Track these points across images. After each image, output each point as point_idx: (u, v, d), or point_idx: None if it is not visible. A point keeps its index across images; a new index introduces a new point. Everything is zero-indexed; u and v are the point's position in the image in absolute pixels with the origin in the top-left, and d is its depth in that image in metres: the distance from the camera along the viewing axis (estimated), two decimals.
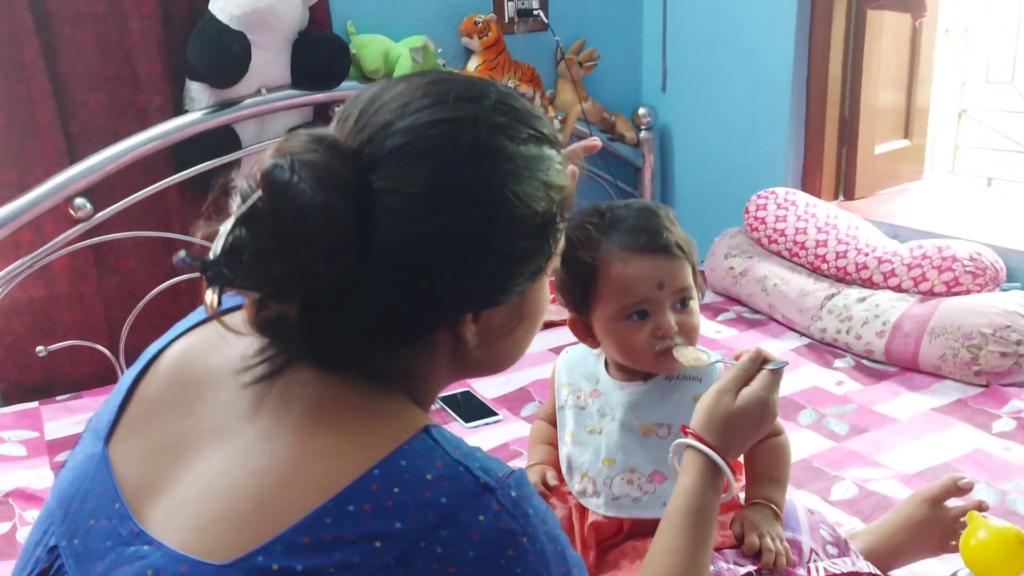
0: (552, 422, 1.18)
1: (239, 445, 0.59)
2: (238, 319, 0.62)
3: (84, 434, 0.70)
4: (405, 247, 0.58)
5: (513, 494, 0.57)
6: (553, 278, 0.76)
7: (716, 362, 1.01)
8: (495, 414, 1.80)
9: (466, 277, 0.61)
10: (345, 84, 2.21)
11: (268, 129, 2.15)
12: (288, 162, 0.55)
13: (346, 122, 0.62)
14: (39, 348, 2.00)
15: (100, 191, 1.97)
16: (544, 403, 1.22)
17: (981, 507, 1.13)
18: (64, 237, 1.95)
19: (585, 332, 1.08)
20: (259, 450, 0.58)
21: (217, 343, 0.66)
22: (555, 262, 0.69)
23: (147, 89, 2.03)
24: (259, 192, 0.55)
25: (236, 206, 0.55)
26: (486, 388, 1.92)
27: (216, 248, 0.55)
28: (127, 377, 0.69)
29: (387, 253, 0.58)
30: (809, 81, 2.38)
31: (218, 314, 0.57)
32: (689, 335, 1.03)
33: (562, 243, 0.70)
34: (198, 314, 0.71)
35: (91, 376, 2.09)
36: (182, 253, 0.55)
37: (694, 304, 1.04)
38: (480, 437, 1.70)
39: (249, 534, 0.54)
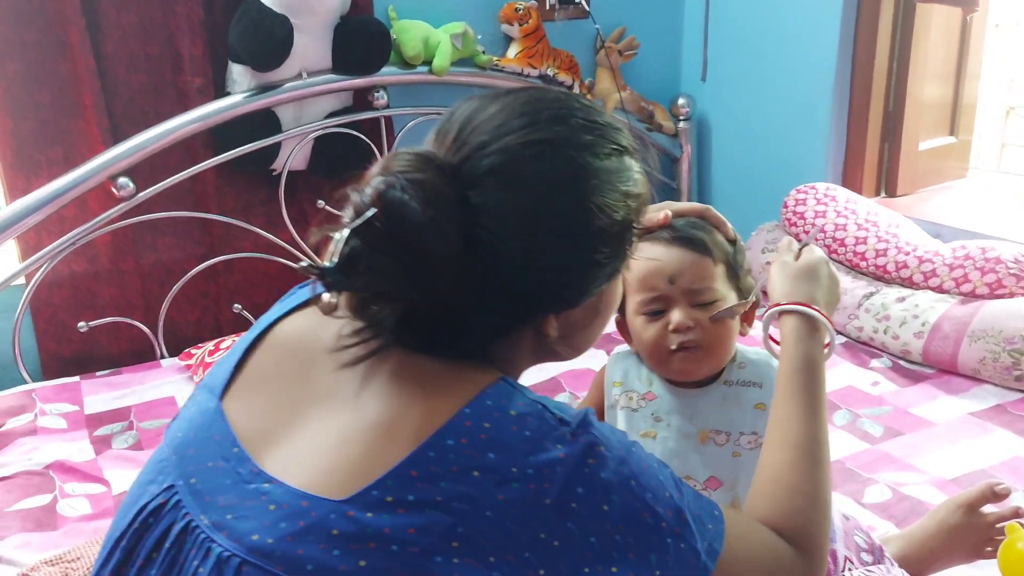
0: None
1: (345, 408, 0.65)
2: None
3: (197, 391, 0.76)
4: (500, 261, 0.65)
5: (587, 423, 0.63)
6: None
7: (752, 300, 1.01)
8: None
9: (553, 285, 0.68)
10: (385, 69, 2.21)
11: (307, 112, 2.16)
12: (399, 181, 0.61)
13: (444, 138, 0.68)
14: (80, 324, 2.03)
15: (141, 170, 2.00)
16: (583, 398, 1.19)
17: (1018, 513, 1.11)
18: (107, 215, 1.98)
19: (627, 334, 1.07)
20: (363, 409, 0.64)
21: (325, 320, 0.71)
22: (629, 262, 0.75)
23: (189, 71, 2.04)
24: (374, 209, 0.61)
25: (349, 217, 0.62)
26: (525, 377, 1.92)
27: (333, 256, 0.61)
28: (242, 342, 0.76)
29: (484, 265, 0.65)
30: (853, 73, 2.34)
31: (332, 308, 0.63)
32: (710, 336, 0.97)
33: (636, 244, 0.75)
34: (307, 292, 0.76)
35: (129, 352, 2.12)
36: (304, 262, 0.63)
37: (719, 306, 0.97)
38: None
39: (362, 476, 0.60)
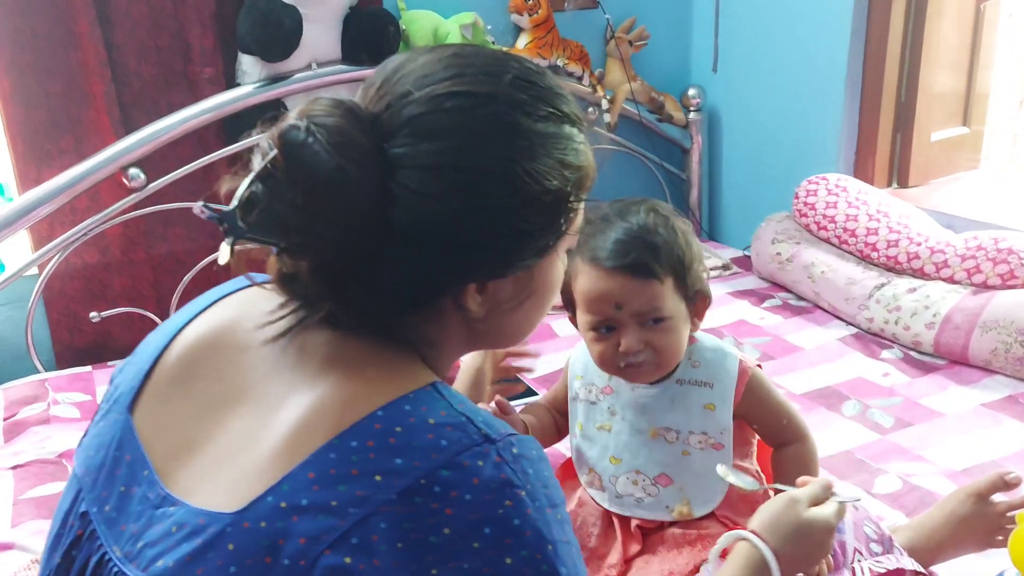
0: (551, 406, 1.18)
1: (263, 403, 0.61)
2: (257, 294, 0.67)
3: (103, 404, 0.71)
4: (417, 221, 0.59)
5: (515, 451, 0.57)
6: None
7: (764, 489, 0.97)
8: (535, 394, 1.80)
9: (473, 250, 0.62)
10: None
11: None
12: (305, 124, 0.57)
13: (369, 89, 0.63)
14: (92, 314, 2.05)
15: (152, 161, 2.00)
16: (551, 388, 1.20)
17: (1015, 484, 1.11)
18: (118, 206, 1.99)
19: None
20: (279, 406, 0.60)
21: (247, 310, 0.68)
22: (569, 241, 0.69)
23: (199, 61, 2.05)
24: (275, 151, 0.56)
25: (256, 163, 0.58)
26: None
27: (234, 201, 0.57)
28: (150, 349, 0.70)
29: (400, 225, 0.59)
30: (865, 63, 2.32)
31: (244, 270, 0.60)
32: (661, 354, 0.99)
33: (578, 222, 0.69)
34: (220, 289, 0.73)
35: (139, 342, 2.13)
36: (200, 203, 0.58)
37: (670, 323, 0.98)
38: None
39: (264, 480, 0.56)
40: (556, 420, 1.18)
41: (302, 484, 0.54)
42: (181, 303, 2.14)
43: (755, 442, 1.11)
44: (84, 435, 0.71)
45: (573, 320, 1.06)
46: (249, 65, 2.06)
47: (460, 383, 1.16)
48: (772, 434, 1.08)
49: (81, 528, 0.64)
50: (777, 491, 0.89)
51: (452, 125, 0.60)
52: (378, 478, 0.53)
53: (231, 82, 2.09)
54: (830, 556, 0.99)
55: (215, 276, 2.20)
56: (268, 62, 2.05)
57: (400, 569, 0.52)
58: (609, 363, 1.01)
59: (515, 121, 0.62)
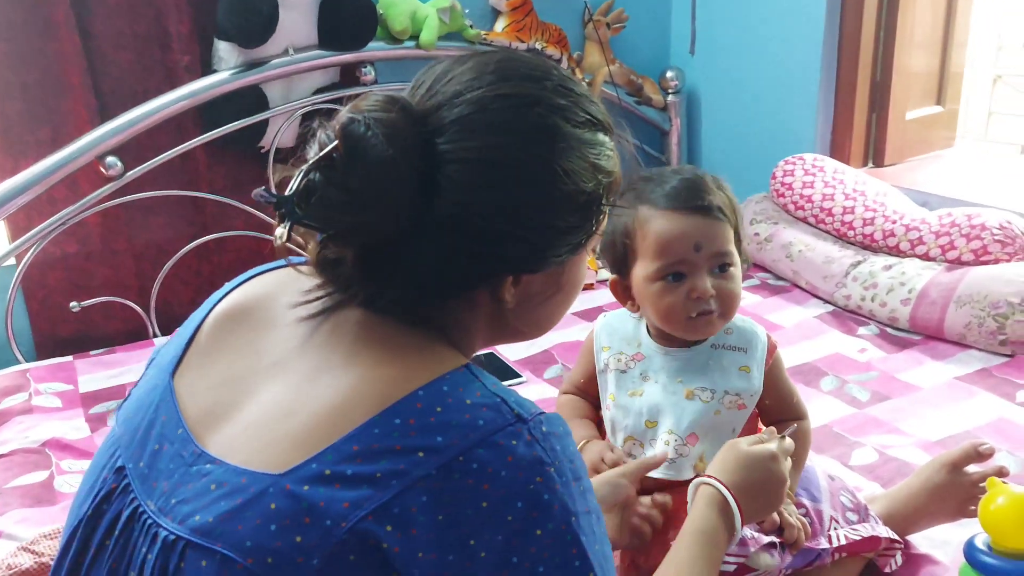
0: (581, 393, 1.18)
1: (295, 376, 0.64)
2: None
3: (148, 369, 0.75)
4: (460, 212, 0.64)
5: (544, 429, 0.61)
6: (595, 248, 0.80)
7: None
8: (519, 376, 1.82)
9: (512, 244, 0.66)
10: (372, 45, 2.20)
11: (295, 89, 2.16)
12: (363, 118, 0.61)
13: (419, 89, 0.68)
14: (72, 303, 2.04)
15: (130, 149, 1.99)
16: (571, 372, 1.21)
17: (1001, 472, 1.13)
18: (96, 195, 1.98)
19: (625, 295, 1.09)
20: (314, 379, 0.63)
21: (283, 287, 0.72)
22: (596, 240, 0.74)
23: (176, 48, 2.04)
24: (336, 142, 0.60)
25: (313, 152, 0.61)
26: (510, 350, 1.94)
27: (291, 187, 0.61)
28: (195, 317, 0.74)
29: (443, 215, 0.63)
30: (841, 44, 2.34)
31: (288, 253, 0.63)
32: (727, 302, 1.02)
33: (604, 223, 0.74)
34: (259, 268, 0.77)
35: (122, 331, 2.13)
36: (261, 189, 0.63)
37: (735, 271, 1.03)
38: None
39: (304, 449, 0.59)
40: (592, 403, 1.18)
41: (346, 455, 0.57)
42: (162, 292, 2.14)
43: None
44: (125, 399, 0.75)
45: (615, 287, 1.09)
46: (226, 52, 2.05)
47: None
48: (781, 409, 1.10)
49: (116, 482, 0.66)
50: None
51: (497, 124, 0.65)
52: (420, 454, 0.57)
53: (208, 69, 2.08)
54: (807, 524, 1.02)
55: (197, 265, 2.20)
56: (245, 48, 2.04)
57: (438, 539, 0.55)
58: (679, 314, 1.02)
59: (555, 124, 0.66)
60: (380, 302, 0.66)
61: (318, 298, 0.67)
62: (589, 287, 2.23)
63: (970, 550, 0.92)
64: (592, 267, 2.15)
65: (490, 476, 0.57)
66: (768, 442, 0.94)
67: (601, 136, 0.71)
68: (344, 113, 0.62)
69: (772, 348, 1.10)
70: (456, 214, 0.64)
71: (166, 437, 0.65)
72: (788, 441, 0.96)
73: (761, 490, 0.91)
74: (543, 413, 0.62)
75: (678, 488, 1.02)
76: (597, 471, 1.04)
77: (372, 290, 0.66)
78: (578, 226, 0.69)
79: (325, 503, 0.56)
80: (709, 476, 0.91)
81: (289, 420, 0.61)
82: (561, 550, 0.58)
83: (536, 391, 1.74)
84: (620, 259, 1.06)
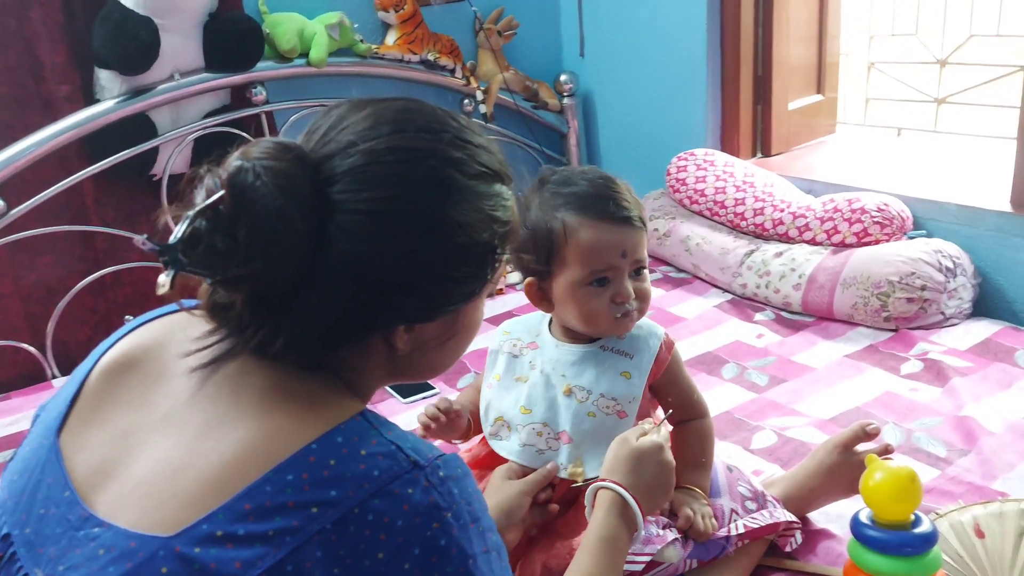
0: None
1: (186, 430, 0.63)
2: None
3: (32, 427, 0.73)
4: (352, 261, 0.64)
5: (441, 473, 0.61)
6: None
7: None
8: (432, 387, 1.83)
9: (405, 295, 0.67)
10: (261, 64, 2.17)
11: (184, 114, 2.11)
12: (253, 166, 0.61)
13: (314, 135, 0.68)
14: None
15: (12, 187, 1.92)
16: (480, 374, 1.25)
17: (887, 450, 1.20)
18: None
19: (540, 296, 1.12)
20: (204, 434, 0.62)
21: (173, 335, 0.71)
22: (492, 287, 0.75)
23: (52, 79, 1.96)
24: (222, 192, 0.60)
25: (200, 199, 0.60)
26: None
27: (176, 235, 0.59)
28: (79, 372, 0.73)
29: (334, 265, 0.63)
30: (723, 41, 2.43)
31: (177, 298, 0.62)
32: (644, 300, 1.10)
33: (500, 271, 0.75)
34: (149, 314, 0.76)
35: (18, 376, 2.04)
36: (144, 236, 0.61)
37: (647, 272, 1.11)
38: (419, 411, 1.72)
39: (195, 508, 0.58)
40: None
41: (238, 515, 0.57)
42: (57, 332, 2.06)
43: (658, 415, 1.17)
44: (9, 460, 0.72)
45: (530, 289, 1.11)
46: (108, 80, 1.99)
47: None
48: (682, 407, 1.14)
49: (2, 551, 0.64)
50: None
51: (390, 175, 0.65)
52: (315, 509, 0.57)
53: (90, 98, 2.02)
54: (714, 519, 1.07)
55: (92, 302, 2.12)
56: (127, 75, 1.98)
57: None
58: (605, 315, 1.08)
59: (449, 176, 0.67)
60: (271, 348, 0.65)
61: (209, 345, 0.66)
62: (499, 292, 2.26)
63: (855, 525, 0.98)
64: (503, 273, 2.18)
65: (386, 526, 0.57)
66: (651, 432, 0.99)
67: (497, 187, 0.71)
68: (232, 161, 0.61)
69: (669, 345, 1.15)
70: (348, 263, 0.64)
71: (52, 500, 0.63)
72: (665, 430, 1.02)
73: (656, 483, 0.96)
74: (441, 456, 0.62)
75: (564, 488, 1.09)
76: (508, 477, 1.09)
77: (263, 336, 0.65)
78: (473, 275, 0.70)
79: (217, 564, 0.55)
80: (606, 480, 0.94)
81: (179, 478, 0.60)
82: None
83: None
84: (542, 264, 1.09)
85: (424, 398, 1.80)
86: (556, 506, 1.08)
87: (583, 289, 1.07)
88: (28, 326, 2.06)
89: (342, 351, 0.68)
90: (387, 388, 1.84)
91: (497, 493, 1.06)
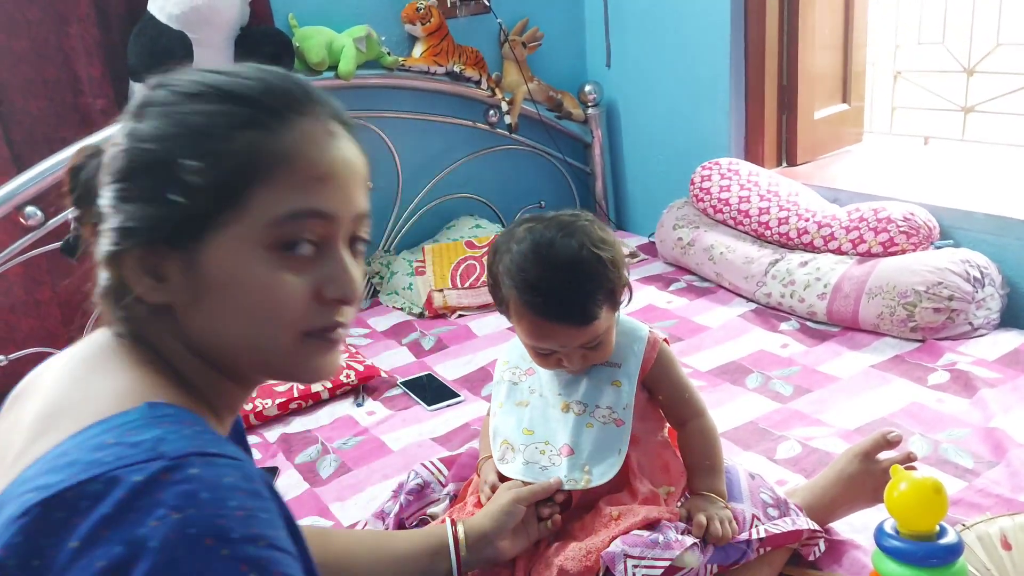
0: None
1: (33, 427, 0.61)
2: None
3: None
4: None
5: (194, 471, 0.52)
6: None
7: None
8: (457, 395, 1.85)
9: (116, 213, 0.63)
10: None
11: None
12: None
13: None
14: (0, 357, 2.00)
15: (50, 198, 1.97)
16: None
17: (909, 458, 1.20)
18: (17, 246, 1.95)
19: None
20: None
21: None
22: (245, 233, 0.61)
23: (88, 92, 2.02)
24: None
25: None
26: (447, 370, 1.97)
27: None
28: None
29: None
30: (747, 51, 2.43)
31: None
32: (599, 360, 1.11)
33: (261, 215, 0.61)
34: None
35: None
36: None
37: (607, 337, 1.09)
38: (444, 419, 1.75)
39: None
40: None
41: None
42: None
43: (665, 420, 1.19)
44: None
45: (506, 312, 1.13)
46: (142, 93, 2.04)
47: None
48: (675, 406, 1.16)
49: None
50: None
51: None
52: (30, 495, 0.51)
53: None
54: (734, 522, 1.08)
55: None
56: None
57: None
58: (553, 371, 1.13)
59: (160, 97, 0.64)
60: (120, 327, 0.65)
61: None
62: None
63: (879, 535, 0.98)
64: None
65: (85, 512, 0.50)
66: None
67: (225, 107, 0.62)
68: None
69: (654, 344, 1.14)
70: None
71: None
72: None
73: None
74: (208, 454, 0.53)
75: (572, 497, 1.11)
76: (494, 488, 1.12)
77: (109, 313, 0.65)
78: (152, 197, 0.61)
79: None
80: None
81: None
82: None
83: (474, 409, 1.77)
84: (505, 313, 1.11)
85: (449, 405, 1.81)
86: (559, 518, 1.09)
87: (532, 350, 1.11)
88: (65, 332, 2.10)
89: (151, 329, 0.64)
90: (412, 395, 1.86)
91: (493, 501, 1.09)
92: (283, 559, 0.53)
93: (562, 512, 1.10)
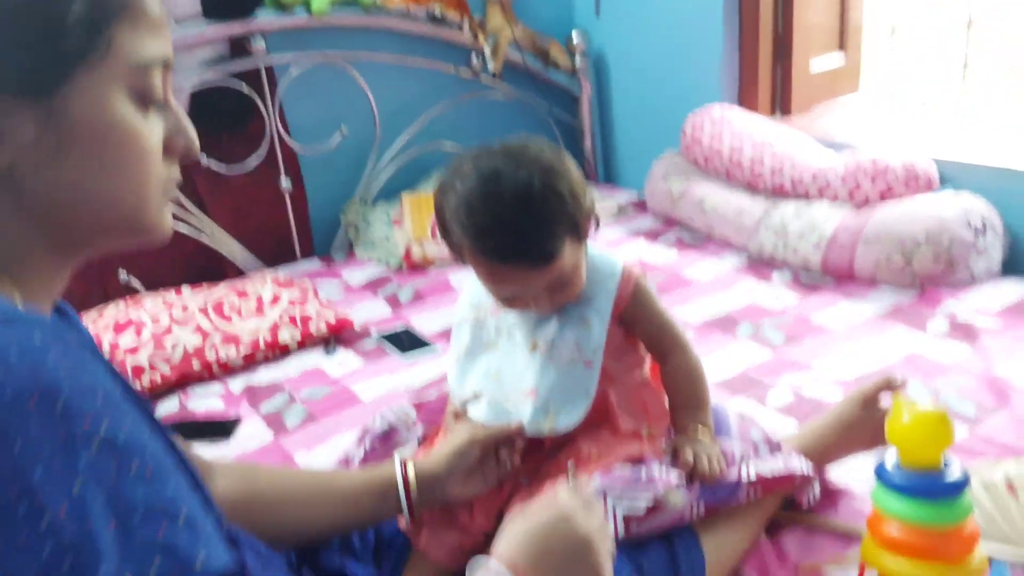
0: None
1: None
2: None
3: None
4: None
5: None
6: None
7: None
8: (429, 344, 1.77)
9: None
10: (261, 14, 2.10)
11: (180, 64, 2.04)
12: None
13: None
14: None
15: None
16: None
17: (896, 384, 1.13)
18: None
19: None
20: None
21: None
22: (107, 77, 0.56)
23: None
24: None
25: None
26: (425, 323, 1.89)
27: None
28: None
29: None
30: None
31: None
32: (568, 300, 1.00)
33: (124, 54, 0.57)
34: None
35: None
36: None
37: (575, 275, 0.98)
38: (419, 370, 1.66)
39: None
40: None
41: None
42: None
43: (647, 357, 1.10)
44: None
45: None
46: None
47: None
48: (655, 343, 1.07)
49: None
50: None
51: None
52: None
53: None
54: (723, 459, 0.99)
55: None
56: None
57: None
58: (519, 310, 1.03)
59: None
60: None
61: None
62: None
63: (879, 469, 0.90)
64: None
65: None
66: (556, 495, 0.74)
67: None
68: None
69: (628, 278, 1.04)
70: None
71: None
72: (581, 480, 0.80)
73: (562, 565, 0.69)
74: (13, 321, 0.49)
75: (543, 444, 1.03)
76: (474, 439, 0.99)
77: None
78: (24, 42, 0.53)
79: None
80: (490, 557, 0.70)
81: None
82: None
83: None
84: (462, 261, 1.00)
85: (423, 354, 1.73)
86: (517, 459, 0.99)
87: (494, 297, 1.01)
88: None
89: None
90: (385, 343, 1.77)
91: (448, 442, 0.99)
92: (119, 416, 0.49)
93: (528, 457, 1.02)
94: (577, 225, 0.95)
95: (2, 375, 0.45)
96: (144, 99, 0.58)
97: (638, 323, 1.06)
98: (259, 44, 2.13)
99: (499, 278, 0.96)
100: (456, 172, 0.95)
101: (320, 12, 2.15)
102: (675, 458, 1.00)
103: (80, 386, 0.48)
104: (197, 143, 0.64)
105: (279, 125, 2.22)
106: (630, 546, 0.94)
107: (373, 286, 2.15)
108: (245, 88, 2.12)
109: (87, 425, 0.47)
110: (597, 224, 1.01)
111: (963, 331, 1.59)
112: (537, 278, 0.94)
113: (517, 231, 0.91)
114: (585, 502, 0.74)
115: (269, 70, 2.19)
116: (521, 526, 0.71)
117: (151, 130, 0.59)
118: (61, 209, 0.57)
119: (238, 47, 2.14)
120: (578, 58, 2.68)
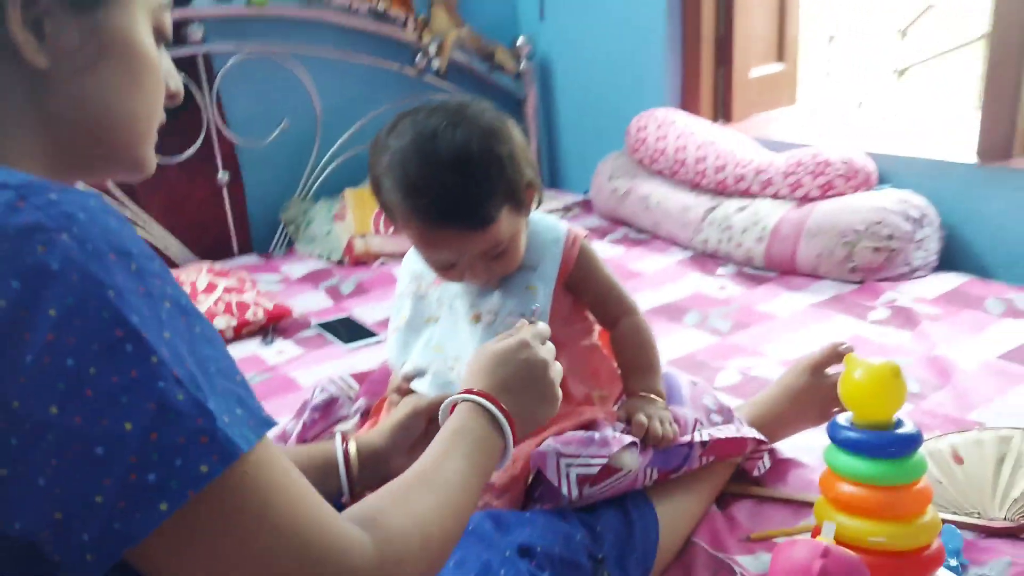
0: None
1: None
2: None
3: None
4: None
5: (52, 196, 0.47)
6: None
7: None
8: (373, 334, 1.72)
9: None
10: (199, 2, 2.04)
11: None
12: None
13: None
14: None
15: None
16: None
17: (848, 351, 1.13)
18: None
19: None
20: None
21: None
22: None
23: None
24: None
25: None
26: (367, 313, 1.84)
27: None
28: None
29: None
30: (684, 4, 2.37)
31: None
32: (507, 270, 0.98)
33: None
34: None
35: None
36: None
37: (513, 244, 0.95)
38: (361, 357, 1.61)
39: None
40: None
41: None
42: None
43: (596, 324, 1.07)
44: None
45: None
46: None
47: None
48: (602, 306, 1.05)
49: None
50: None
51: None
52: None
53: None
54: (675, 423, 0.97)
55: None
56: None
57: None
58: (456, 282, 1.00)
59: None
60: None
61: None
62: None
63: (832, 428, 0.89)
64: None
65: None
66: (517, 332, 0.81)
67: None
68: None
69: (573, 242, 1.02)
70: None
71: None
72: (541, 325, 0.83)
73: (522, 385, 0.77)
74: (65, 191, 0.47)
75: None
76: (418, 411, 0.95)
77: None
78: None
79: None
80: (460, 393, 0.75)
81: None
82: (96, 332, 0.44)
83: None
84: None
85: (367, 343, 1.68)
86: None
87: (429, 264, 0.98)
88: None
89: None
90: (327, 333, 1.72)
91: (391, 417, 0.96)
92: (176, 283, 0.50)
93: None
94: (515, 193, 0.92)
95: (79, 231, 0.45)
96: (158, 35, 0.61)
97: (585, 287, 1.03)
98: (196, 32, 2.07)
99: (433, 241, 0.93)
100: (392, 129, 0.92)
101: (259, 1, 2.10)
102: (628, 422, 0.97)
103: (143, 249, 0.49)
104: (183, 89, 0.66)
105: (217, 115, 2.16)
106: (585, 510, 0.91)
107: (313, 278, 2.10)
108: (182, 77, 2.05)
109: (158, 284, 0.48)
110: (539, 201, 0.98)
111: (904, 317, 1.61)
112: (472, 243, 0.91)
113: (450, 191, 0.87)
114: (541, 336, 0.82)
115: (207, 59, 2.13)
116: (478, 358, 0.79)
117: (161, 65, 0.62)
118: (81, 120, 0.58)
119: (174, 34, 2.07)
120: (523, 61, 2.68)
